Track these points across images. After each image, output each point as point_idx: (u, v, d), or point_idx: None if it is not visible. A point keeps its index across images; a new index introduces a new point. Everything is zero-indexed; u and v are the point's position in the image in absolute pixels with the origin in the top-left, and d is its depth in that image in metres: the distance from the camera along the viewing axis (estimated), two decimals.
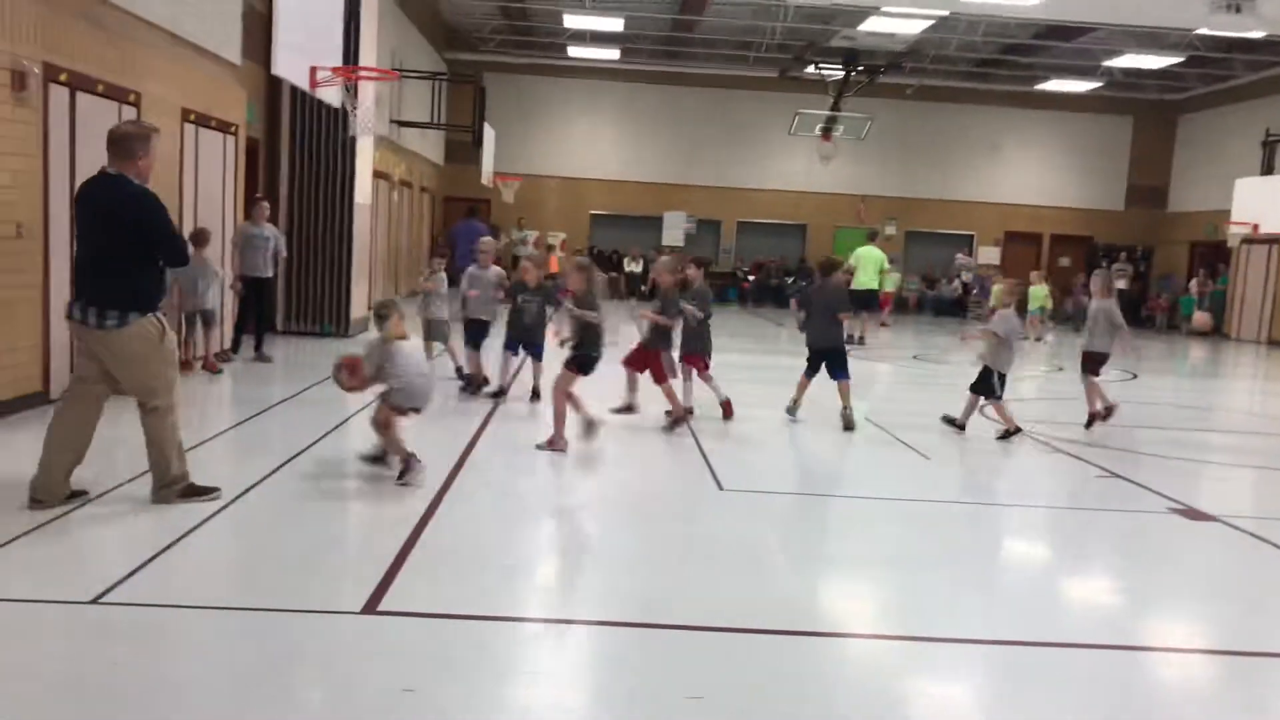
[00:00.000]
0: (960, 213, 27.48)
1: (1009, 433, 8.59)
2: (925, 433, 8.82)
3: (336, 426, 7.73)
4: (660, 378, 8.36)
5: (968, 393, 8.88)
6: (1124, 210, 27.82)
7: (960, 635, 4.36)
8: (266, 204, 11.03)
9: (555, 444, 7.24)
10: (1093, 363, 9.40)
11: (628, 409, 8.55)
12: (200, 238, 9.59)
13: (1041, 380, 14.08)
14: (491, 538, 5.38)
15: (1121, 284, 25.39)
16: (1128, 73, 24.25)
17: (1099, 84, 25.05)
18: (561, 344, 7.69)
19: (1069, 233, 27.82)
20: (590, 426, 7.28)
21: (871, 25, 20.31)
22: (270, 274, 10.99)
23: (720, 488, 6.65)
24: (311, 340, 13.08)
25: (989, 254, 27.73)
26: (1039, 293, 20.01)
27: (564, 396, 7.23)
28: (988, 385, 8.69)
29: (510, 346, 9.35)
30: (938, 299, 26.63)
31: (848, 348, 9.16)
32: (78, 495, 5.25)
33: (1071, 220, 27.82)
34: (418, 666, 3.65)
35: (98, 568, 4.52)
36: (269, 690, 3.43)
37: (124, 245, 5.14)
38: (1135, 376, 14.12)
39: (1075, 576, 5.56)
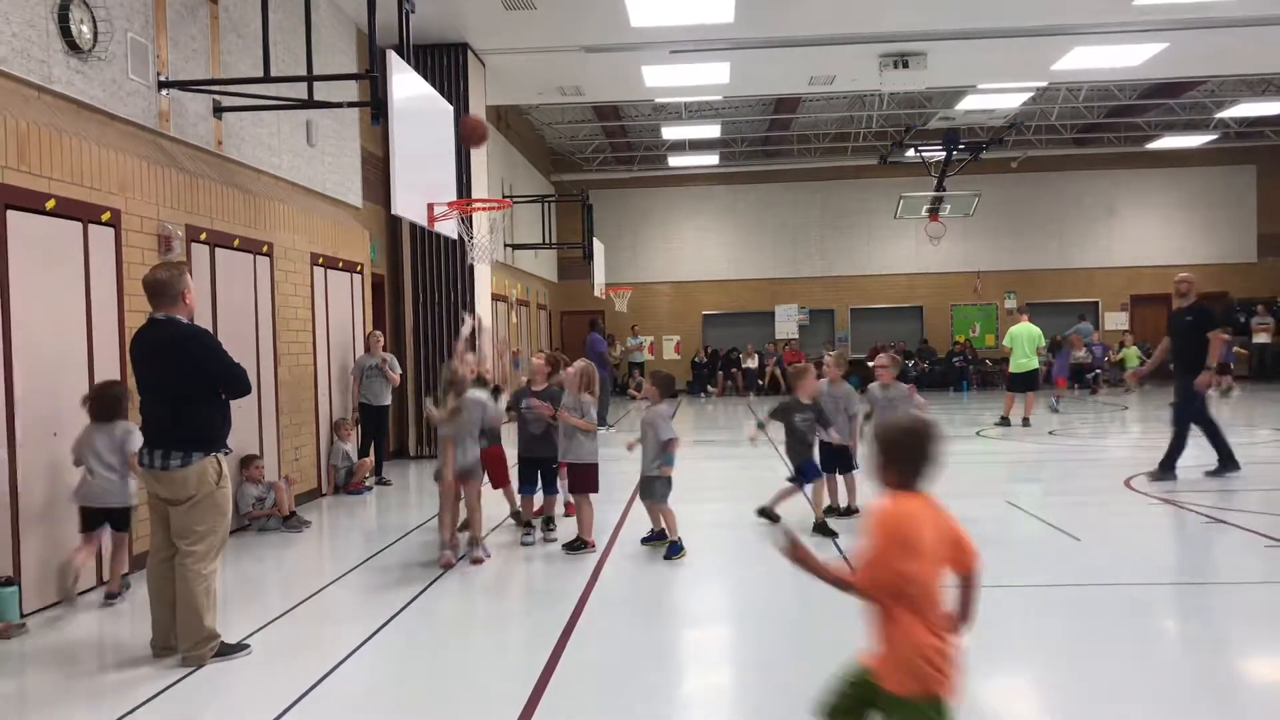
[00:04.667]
0: (1081, 280, 26.74)
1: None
2: (1069, 510, 8.46)
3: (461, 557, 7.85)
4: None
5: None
6: (1257, 261, 26.64)
7: None
8: (379, 334, 11.48)
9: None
10: None
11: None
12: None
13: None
14: (634, 651, 5.33)
15: (1264, 338, 24.26)
16: (1244, 121, 23.50)
17: (1214, 136, 24.31)
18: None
19: (1200, 290, 26.64)
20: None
21: (969, 104, 20.25)
22: (388, 401, 11.38)
23: None
24: None
25: (1116, 319, 26.82)
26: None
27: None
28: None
29: None
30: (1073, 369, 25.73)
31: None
32: (240, 648, 5.34)
33: (1201, 277, 26.56)
34: None
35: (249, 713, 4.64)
36: None
37: (185, 385, 5.18)
38: None
39: (1254, 658, 5.19)
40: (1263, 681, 4.89)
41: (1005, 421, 15.81)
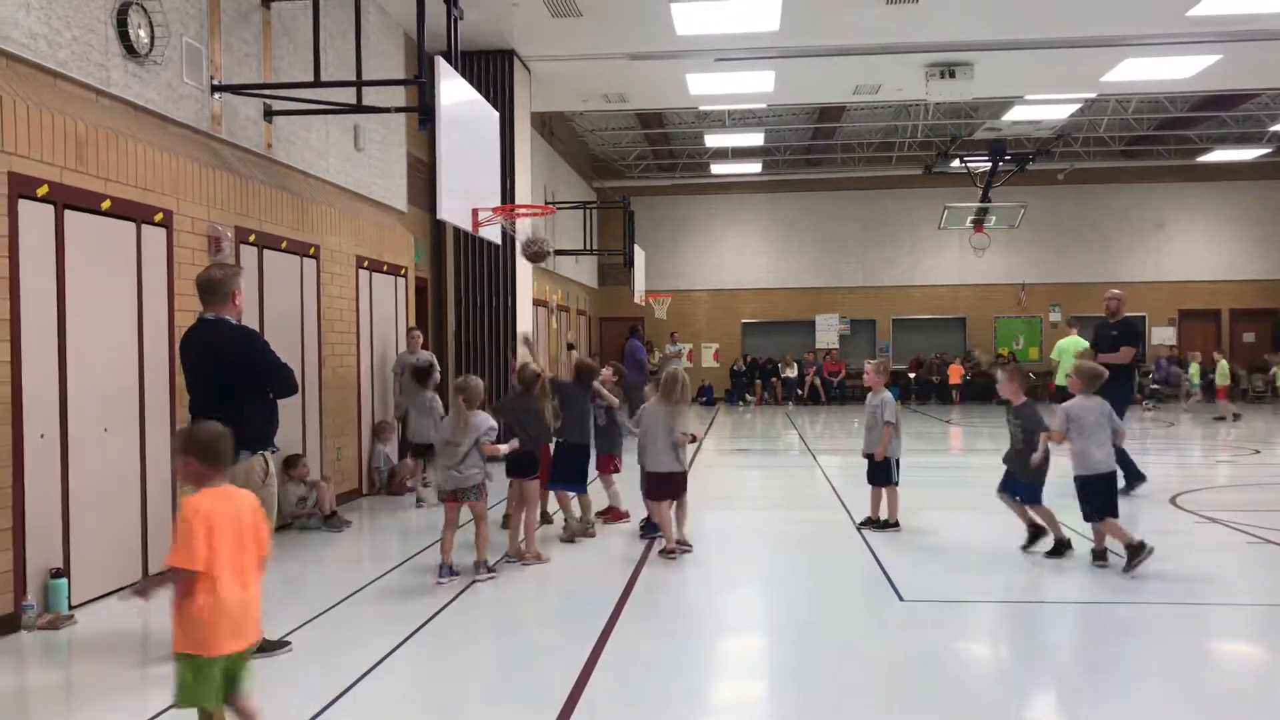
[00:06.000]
0: (1128, 294, 26.13)
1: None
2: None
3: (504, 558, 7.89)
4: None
5: None
6: None
7: None
8: (419, 332, 11.55)
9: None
10: None
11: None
12: (424, 375, 10.45)
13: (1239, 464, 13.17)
14: (670, 656, 5.34)
15: None
16: None
17: (1268, 150, 23.90)
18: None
19: (1250, 306, 26.26)
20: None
21: (1015, 115, 20.08)
22: None
23: (901, 598, 6.44)
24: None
25: (1163, 334, 26.42)
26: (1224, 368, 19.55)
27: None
28: None
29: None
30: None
31: None
32: (280, 645, 5.39)
33: (1252, 293, 26.29)
34: None
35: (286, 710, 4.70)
36: None
37: (232, 384, 5.23)
38: None
39: None
40: None
41: None
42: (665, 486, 7.71)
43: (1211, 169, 25.45)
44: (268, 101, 8.84)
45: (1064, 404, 7.25)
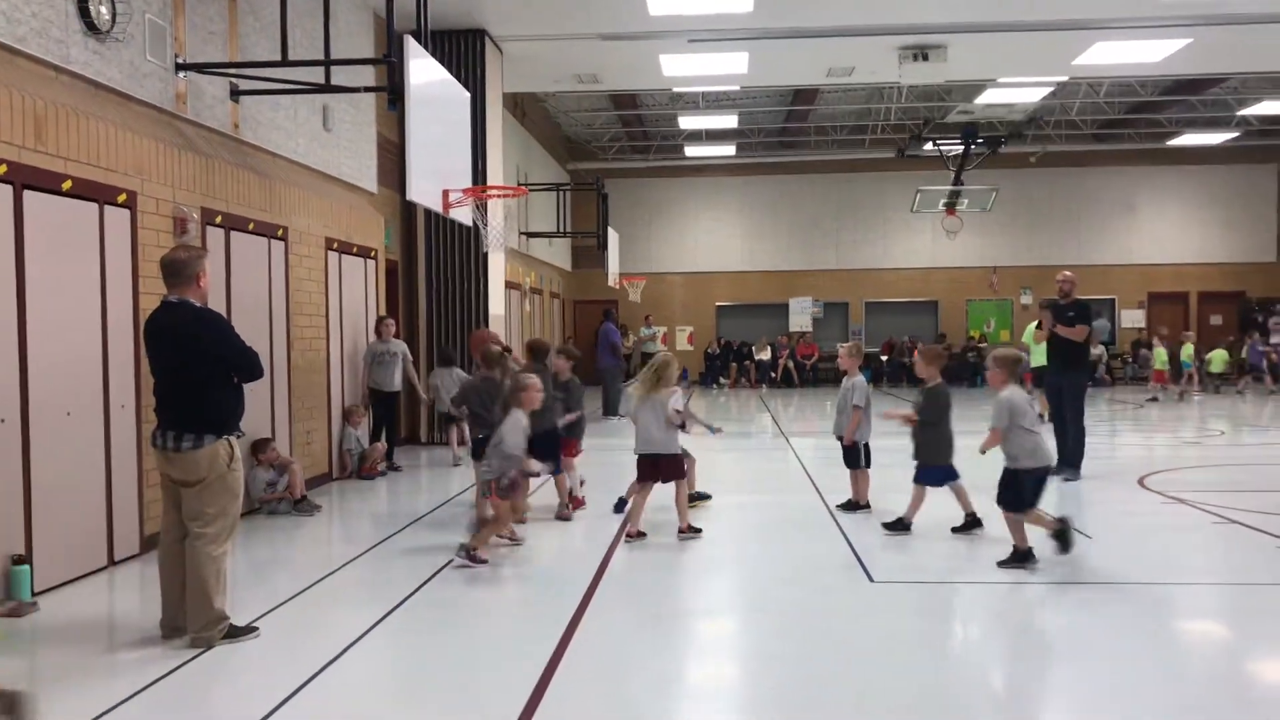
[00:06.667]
0: (1098, 277, 26.52)
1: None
2: (1083, 509, 8.42)
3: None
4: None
5: None
6: (1277, 261, 26.43)
7: None
8: (392, 321, 11.47)
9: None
10: None
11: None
12: (446, 356, 12.36)
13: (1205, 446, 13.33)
14: (641, 640, 5.33)
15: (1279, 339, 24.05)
16: (1266, 119, 23.26)
17: (1236, 134, 24.10)
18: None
19: (1218, 289, 26.54)
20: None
21: (988, 98, 20.12)
22: (398, 388, 11.39)
23: (871, 580, 6.47)
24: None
25: (1133, 317, 26.67)
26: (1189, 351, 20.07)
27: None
28: None
29: None
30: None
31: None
32: (248, 630, 5.34)
33: (1219, 276, 26.57)
34: None
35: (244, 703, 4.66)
36: None
37: (197, 368, 5.18)
38: None
39: (1267, 659, 5.15)
40: (1272, 681, 4.86)
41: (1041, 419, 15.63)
42: (650, 469, 7.66)
43: (1181, 153, 25.65)
44: (234, 81, 8.70)
45: (1002, 395, 6.74)
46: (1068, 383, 10.35)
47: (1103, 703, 4.40)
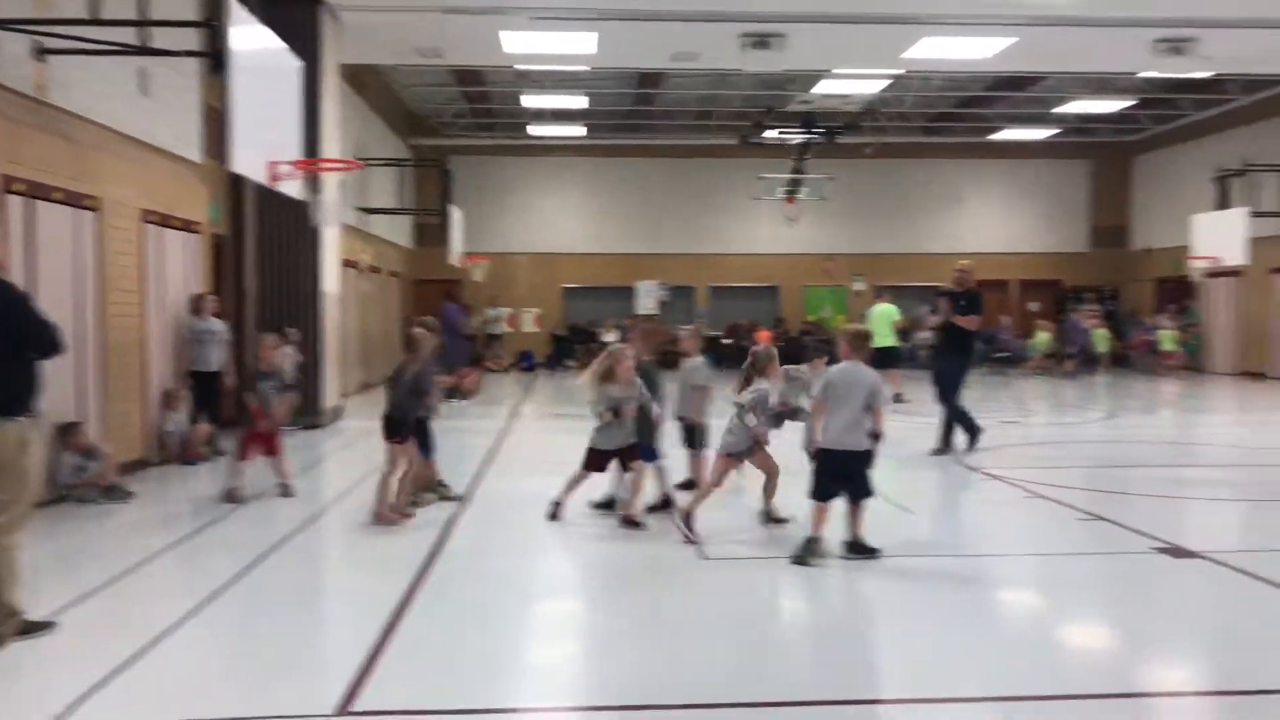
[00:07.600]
0: (928, 265, 27.61)
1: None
2: (905, 485, 8.78)
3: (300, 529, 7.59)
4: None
5: None
6: (1089, 251, 28.17)
7: (958, 695, 4.27)
8: (212, 298, 10.96)
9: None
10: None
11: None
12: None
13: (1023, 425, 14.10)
14: (473, 621, 5.26)
15: (1092, 326, 25.63)
16: (1081, 117, 24.73)
17: (1054, 130, 25.53)
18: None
19: (1037, 278, 28.09)
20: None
21: (825, 88, 20.66)
22: (219, 368, 10.88)
23: (706, 558, 6.57)
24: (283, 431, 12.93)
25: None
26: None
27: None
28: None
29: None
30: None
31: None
32: (44, 626, 5.00)
33: (1038, 265, 28.12)
34: None
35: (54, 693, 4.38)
36: None
37: None
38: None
39: (1067, 625, 5.48)
40: (1077, 645, 5.17)
41: (898, 398, 16.12)
42: (597, 459, 7.74)
43: (1005, 146, 26.98)
44: (39, 38, 8.09)
45: (829, 369, 6.65)
46: (949, 365, 10.90)
47: (922, 673, 4.59)
